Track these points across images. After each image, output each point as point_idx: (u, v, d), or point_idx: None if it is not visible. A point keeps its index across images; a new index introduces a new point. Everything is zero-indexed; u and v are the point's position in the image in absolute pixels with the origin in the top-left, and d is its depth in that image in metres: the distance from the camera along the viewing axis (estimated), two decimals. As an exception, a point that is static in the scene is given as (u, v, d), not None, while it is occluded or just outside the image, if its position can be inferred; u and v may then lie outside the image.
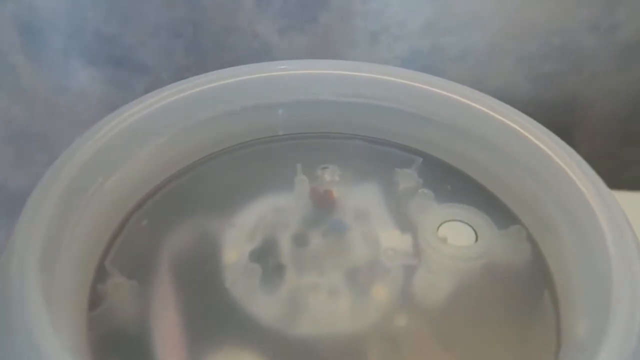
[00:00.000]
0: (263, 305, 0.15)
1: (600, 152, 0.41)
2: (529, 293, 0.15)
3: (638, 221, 0.14)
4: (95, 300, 0.14)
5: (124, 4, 0.35)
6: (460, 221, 0.17)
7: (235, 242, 0.16)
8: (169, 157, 0.17)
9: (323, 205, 0.18)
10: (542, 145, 0.16)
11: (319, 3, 0.35)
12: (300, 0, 0.35)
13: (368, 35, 0.36)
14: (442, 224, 0.17)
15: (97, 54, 0.38)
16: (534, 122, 0.17)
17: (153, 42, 0.37)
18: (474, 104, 0.18)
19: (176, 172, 0.17)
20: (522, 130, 0.17)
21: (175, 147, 0.17)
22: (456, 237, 0.17)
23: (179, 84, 0.18)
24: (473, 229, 0.17)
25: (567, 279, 0.14)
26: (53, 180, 0.14)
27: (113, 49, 0.37)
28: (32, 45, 0.37)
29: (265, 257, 0.16)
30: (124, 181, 0.16)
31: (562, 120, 0.40)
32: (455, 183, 0.18)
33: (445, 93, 0.18)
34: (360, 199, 0.18)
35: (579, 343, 0.12)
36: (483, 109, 0.18)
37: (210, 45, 0.37)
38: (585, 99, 0.38)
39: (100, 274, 0.15)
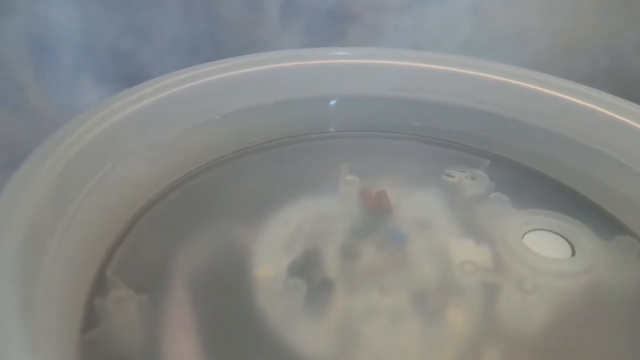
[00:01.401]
0: (306, 333, 0.12)
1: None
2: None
3: None
4: (90, 319, 0.11)
5: (141, 17, 0.33)
6: (550, 231, 0.14)
7: (270, 253, 0.13)
8: (195, 148, 0.14)
9: (376, 210, 0.14)
10: None
11: (349, 17, 0.33)
12: (328, 14, 0.32)
13: (401, 52, 0.33)
14: (526, 233, 0.14)
15: (109, 72, 0.35)
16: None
17: (170, 59, 0.35)
18: (562, 95, 0.15)
19: (196, 169, 0.14)
20: (622, 118, 0.14)
21: (205, 137, 0.14)
22: (547, 250, 0.13)
23: (199, 67, 0.15)
24: (566, 239, 0.13)
25: None
26: (42, 163, 0.11)
27: (127, 66, 0.35)
28: (41, 62, 0.35)
29: (309, 271, 0.13)
30: (131, 174, 0.13)
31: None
32: (535, 187, 0.15)
33: (520, 83, 0.15)
34: (421, 205, 0.15)
35: None
36: (569, 97, 0.15)
37: (231, 62, 0.35)
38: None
39: (100, 285, 0.11)
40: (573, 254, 0.13)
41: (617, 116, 0.14)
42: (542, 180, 0.15)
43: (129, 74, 0.35)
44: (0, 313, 0.09)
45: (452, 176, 0.16)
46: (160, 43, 0.35)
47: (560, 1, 0.32)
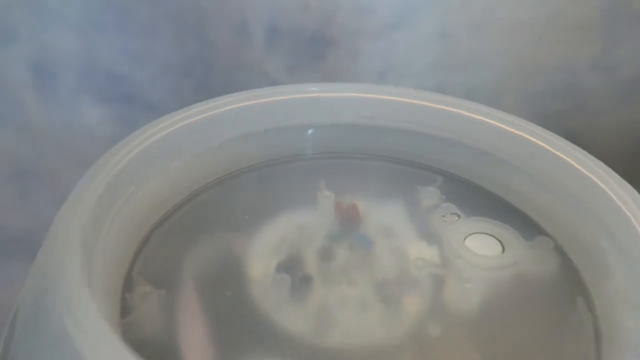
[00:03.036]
0: (292, 316, 0.15)
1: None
2: (561, 300, 0.15)
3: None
4: (123, 310, 0.14)
5: (136, 43, 0.36)
6: (486, 234, 0.17)
7: (261, 256, 0.16)
8: (196, 172, 0.17)
9: (348, 219, 0.17)
10: (564, 156, 0.17)
11: (327, 42, 0.36)
12: (309, 39, 0.36)
13: (375, 73, 0.37)
14: (467, 236, 0.17)
15: (107, 93, 0.38)
16: (554, 135, 0.18)
17: (163, 81, 0.38)
18: (490, 121, 0.18)
19: (203, 186, 0.17)
20: (541, 143, 0.17)
21: (203, 163, 0.17)
22: (483, 248, 0.16)
23: (205, 103, 0.18)
24: (499, 240, 0.17)
25: (603, 284, 0.14)
26: (85, 191, 0.14)
27: (123, 87, 0.38)
28: (43, 84, 0.38)
29: (292, 269, 0.16)
30: (151, 194, 0.16)
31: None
32: (477, 199, 0.18)
33: (466, 114, 0.19)
34: (385, 215, 0.18)
35: (626, 337, 0.12)
36: (500, 125, 0.18)
37: (219, 83, 0.38)
38: (589, 136, 0.39)
39: (128, 283, 0.15)
40: (503, 251, 0.16)
41: (526, 136, 0.17)
42: (481, 193, 0.18)
43: (125, 95, 0.38)
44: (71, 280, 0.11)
45: (412, 191, 0.19)
46: (154, 66, 0.37)
47: (521, 26, 0.36)
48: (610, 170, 0.16)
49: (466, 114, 0.18)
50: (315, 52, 0.36)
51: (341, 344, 0.14)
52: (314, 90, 0.18)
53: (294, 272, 0.16)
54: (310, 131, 0.19)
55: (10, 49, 0.37)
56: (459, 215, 0.18)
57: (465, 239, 0.17)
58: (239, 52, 0.37)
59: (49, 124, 0.39)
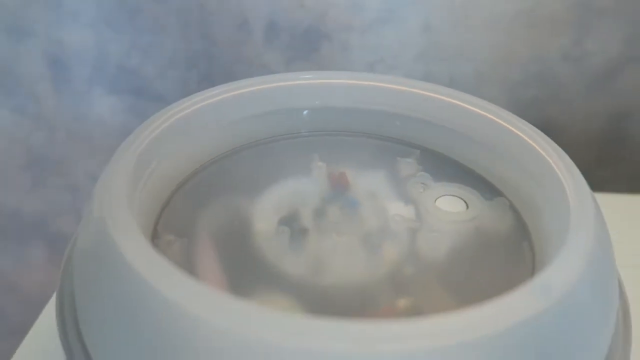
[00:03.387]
0: (290, 260, 0.18)
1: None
2: (511, 245, 0.18)
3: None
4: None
5: (146, 38, 0.39)
6: (454, 195, 0.20)
7: (266, 212, 0.19)
8: (210, 145, 0.21)
9: (338, 185, 0.21)
10: (515, 130, 0.20)
11: (321, 36, 0.39)
12: (304, 33, 0.39)
13: (366, 64, 0.40)
14: (438, 197, 0.20)
15: (118, 85, 0.41)
16: (512, 114, 0.21)
17: (170, 74, 0.41)
18: (459, 103, 0.21)
19: (216, 156, 0.21)
20: (499, 120, 0.20)
21: (217, 138, 0.21)
22: (450, 207, 0.20)
23: (216, 88, 0.21)
24: (464, 200, 0.20)
25: (541, 231, 0.17)
26: (120, 162, 0.17)
27: (133, 80, 0.41)
28: (58, 77, 0.41)
29: (291, 223, 0.19)
30: (173, 164, 0.19)
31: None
32: (447, 168, 0.22)
33: (437, 96, 0.22)
34: (370, 181, 0.21)
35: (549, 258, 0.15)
36: (465, 105, 0.21)
37: (222, 75, 0.41)
38: (562, 122, 0.42)
39: (156, 232, 0.18)
40: (467, 209, 0.20)
41: (483, 113, 0.20)
42: (450, 163, 0.22)
43: (135, 86, 0.41)
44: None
45: (393, 162, 0.22)
46: (162, 60, 0.40)
47: (497, 20, 0.39)
48: (550, 141, 0.19)
49: (435, 96, 0.21)
50: (310, 45, 0.39)
51: (331, 282, 0.17)
52: (309, 78, 0.22)
53: (293, 226, 0.19)
54: (305, 112, 0.22)
55: (28, 43, 0.40)
56: (432, 181, 0.21)
57: (436, 200, 0.20)
58: (240, 46, 0.40)
59: (64, 114, 0.42)
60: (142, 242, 0.14)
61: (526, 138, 0.19)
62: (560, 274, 0.13)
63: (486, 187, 0.21)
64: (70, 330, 0.15)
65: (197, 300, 0.12)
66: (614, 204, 0.29)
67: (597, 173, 0.44)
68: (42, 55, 0.40)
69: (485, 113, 0.20)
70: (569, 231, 0.14)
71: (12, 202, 0.46)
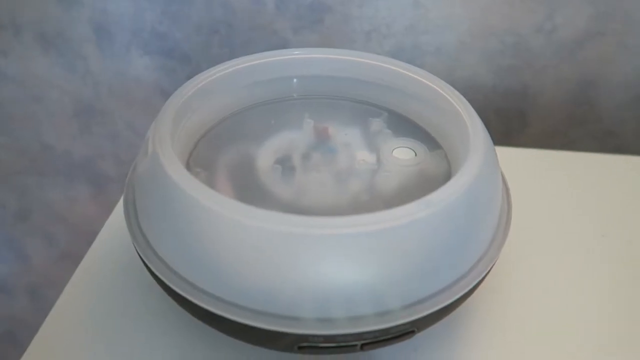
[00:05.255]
0: (282, 188, 0.25)
1: (550, 132, 0.51)
2: (440, 182, 0.25)
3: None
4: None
5: (175, 7, 0.46)
6: (407, 147, 0.27)
7: (265, 154, 0.27)
8: (229, 103, 0.28)
9: (322, 136, 0.28)
10: (443, 93, 0.27)
11: (325, 8, 0.45)
12: (310, 5, 0.45)
13: (363, 34, 0.46)
14: (395, 148, 0.27)
15: (151, 47, 0.48)
16: (449, 86, 0.27)
17: (195, 38, 0.47)
18: (407, 73, 0.28)
19: (230, 113, 0.28)
20: (433, 86, 0.27)
21: (233, 98, 0.28)
22: (402, 155, 0.27)
23: (233, 61, 0.28)
24: (413, 150, 0.27)
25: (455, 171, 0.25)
26: (166, 113, 0.24)
27: (164, 43, 0.48)
28: (102, 40, 0.48)
29: (284, 162, 0.26)
30: (200, 118, 0.27)
31: (518, 104, 0.49)
32: (405, 125, 0.29)
33: (396, 69, 0.29)
34: (346, 135, 0.28)
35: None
36: (414, 75, 0.28)
37: (240, 40, 0.47)
38: (536, 88, 0.48)
39: (188, 167, 0.25)
40: (415, 156, 0.27)
41: (428, 83, 0.27)
42: (407, 122, 0.29)
43: (165, 49, 0.48)
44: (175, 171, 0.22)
45: (365, 121, 0.29)
46: (188, 26, 0.47)
47: None
48: (464, 99, 0.26)
49: (394, 68, 0.28)
50: (315, 16, 0.45)
51: (310, 204, 0.25)
52: (297, 53, 0.29)
53: (285, 164, 0.26)
54: (295, 80, 0.29)
55: (77, 11, 0.46)
56: (392, 137, 0.28)
57: (393, 151, 0.27)
58: (255, 16, 0.46)
59: (106, 71, 0.50)
60: (182, 169, 0.21)
61: (449, 98, 0.26)
62: (438, 195, 0.20)
63: (431, 141, 0.28)
64: (133, 220, 0.22)
65: (220, 203, 0.20)
66: (586, 162, 0.36)
67: (568, 132, 0.51)
68: (89, 21, 0.47)
69: (427, 82, 0.27)
70: (459, 170, 0.22)
71: (63, 145, 0.54)
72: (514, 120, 0.50)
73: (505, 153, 0.34)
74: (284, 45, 0.47)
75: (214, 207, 0.20)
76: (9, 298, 0.68)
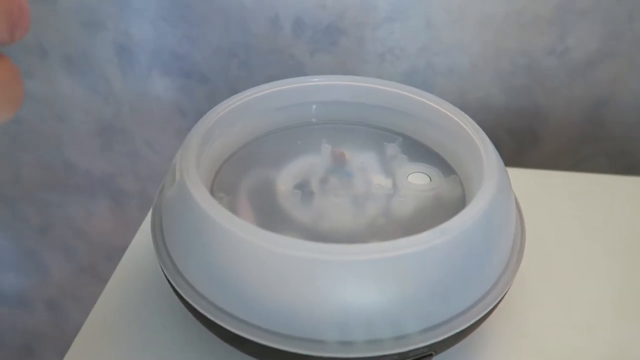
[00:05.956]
0: (301, 213, 0.26)
1: (562, 150, 0.51)
2: (455, 208, 0.26)
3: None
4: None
5: (195, 31, 0.47)
6: (422, 172, 0.28)
7: (285, 179, 0.28)
8: (250, 129, 0.29)
9: (339, 161, 0.29)
10: (457, 119, 0.27)
11: (340, 31, 0.46)
12: (326, 29, 0.46)
13: (377, 55, 0.47)
14: (410, 173, 0.28)
15: (171, 69, 0.50)
16: (463, 114, 0.28)
17: (214, 60, 0.49)
18: (423, 100, 0.29)
19: (252, 139, 0.29)
20: (447, 112, 0.28)
21: (254, 124, 0.29)
22: (418, 180, 0.28)
23: (258, 87, 0.29)
24: (428, 176, 0.28)
25: (469, 197, 0.25)
26: (192, 140, 0.26)
27: (183, 64, 0.49)
28: (124, 62, 0.49)
29: (303, 187, 0.27)
30: (223, 144, 0.28)
31: (531, 123, 0.50)
32: (420, 151, 0.30)
33: (412, 96, 0.30)
34: (362, 160, 0.29)
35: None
36: (429, 103, 0.29)
37: (258, 63, 0.48)
38: (548, 107, 0.49)
39: (212, 192, 0.26)
40: (430, 182, 0.28)
41: (443, 110, 0.28)
42: (421, 147, 0.30)
43: (185, 71, 0.50)
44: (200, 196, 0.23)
45: (381, 146, 0.30)
46: (207, 49, 0.49)
47: (489, 19, 0.45)
48: (478, 127, 0.27)
49: (409, 95, 0.29)
50: (330, 39, 0.47)
51: (328, 228, 0.26)
52: (317, 81, 0.30)
53: (304, 189, 0.27)
54: (314, 106, 0.30)
55: (101, 35, 0.48)
56: (407, 161, 0.29)
57: (408, 176, 0.28)
58: (272, 39, 0.47)
59: (127, 91, 0.51)
60: (209, 197, 0.22)
61: (462, 125, 0.27)
62: (454, 222, 0.21)
63: (445, 166, 0.29)
64: (160, 244, 0.23)
65: (246, 230, 0.21)
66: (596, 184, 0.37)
67: (580, 150, 0.51)
68: (112, 44, 0.49)
69: (443, 109, 0.28)
70: (473, 199, 0.22)
71: (85, 163, 0.56)
72: (526, 139, 0.51)
73: (517, 174, 0.35)
74: (300, 67, 0.48)
75: (240, 234, 0.21)
76: (28, 311, 0.70)
